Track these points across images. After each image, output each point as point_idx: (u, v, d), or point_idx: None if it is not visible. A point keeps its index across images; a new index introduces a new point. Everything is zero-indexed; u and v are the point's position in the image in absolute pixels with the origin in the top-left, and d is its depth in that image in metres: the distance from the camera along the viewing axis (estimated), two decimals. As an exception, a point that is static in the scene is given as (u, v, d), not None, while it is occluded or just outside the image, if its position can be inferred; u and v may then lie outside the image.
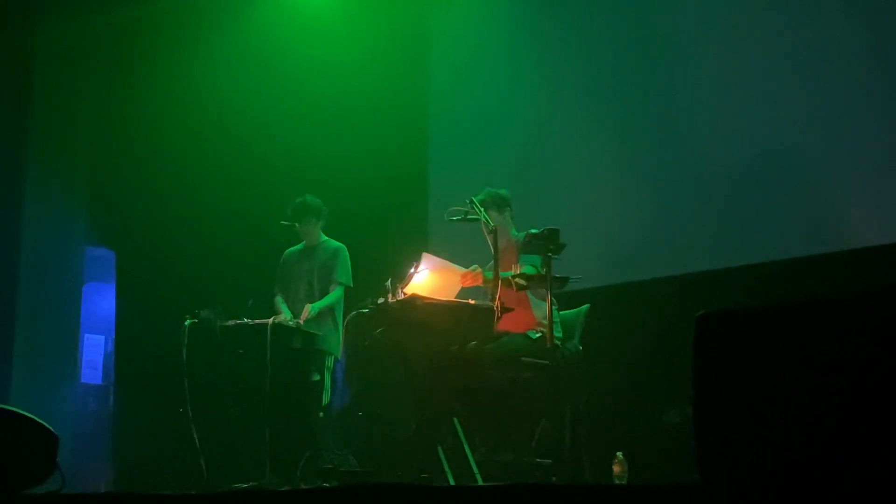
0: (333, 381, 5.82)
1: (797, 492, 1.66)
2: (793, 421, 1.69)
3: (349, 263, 5.94)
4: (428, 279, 5.00)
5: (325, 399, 5.71)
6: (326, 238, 6.06)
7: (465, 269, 5.03)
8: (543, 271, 4.77)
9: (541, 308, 5.00)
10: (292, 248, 6.12)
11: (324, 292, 5.88)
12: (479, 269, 4.99)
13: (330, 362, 5.76)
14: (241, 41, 7.17)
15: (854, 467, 1.60)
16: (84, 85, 7.08)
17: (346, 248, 5.98)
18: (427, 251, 5.26)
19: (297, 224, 5.95)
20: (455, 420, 4.81)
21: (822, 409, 1.66)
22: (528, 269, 4.89)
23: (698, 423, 1.79)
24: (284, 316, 5.70)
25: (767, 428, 1.72)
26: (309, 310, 5.69)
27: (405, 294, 4.86)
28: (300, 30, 7.35)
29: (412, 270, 5.01)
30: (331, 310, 5.83)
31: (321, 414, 5.69)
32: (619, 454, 4.75)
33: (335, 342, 5.78)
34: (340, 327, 5.78)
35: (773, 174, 5.65)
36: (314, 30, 7.34)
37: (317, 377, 5.69)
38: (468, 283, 5.01)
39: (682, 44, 6.18)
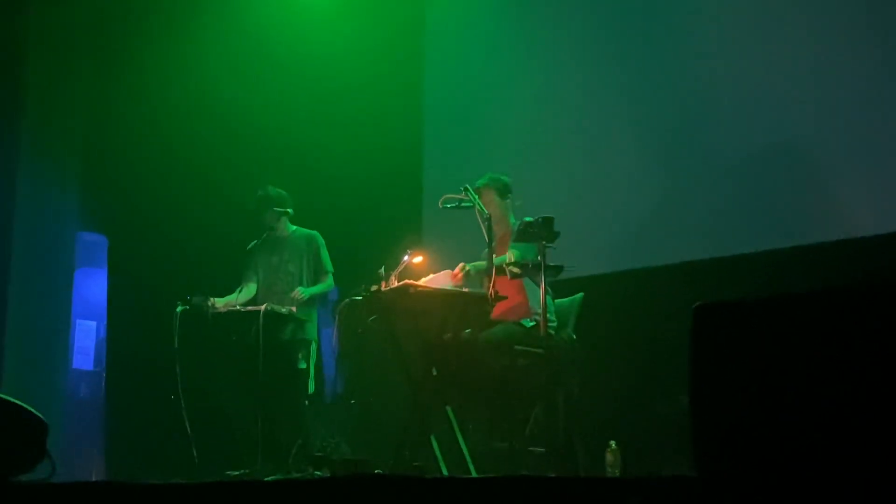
0: (317, 369, 5.83)
1: (794, 487, 1.64)
2: (791, 415, 1.67)
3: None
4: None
5: (311, 388, 5.70)
6: (295, 227, 6.00)
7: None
8: (537, 259, 4.75)
9: (535, 296, 4.98)
10: (258, 242, 5.99)
11: (310, 279, 5.85)
12: (466, 267, 4.96)
13: (313, 350, 5.75)
14: (236, 27, 7.11)
15: (853, 463, 1.58)
16: (78, 69, 7.00)
17: (320, 235, 5.95)
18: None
19: (289, 210, 5.92)
20: (448, 408, 4.80)
21: (820, 404, 1.64)
22: (516, 254, 4.89)
23: (694, 417, 1.76)
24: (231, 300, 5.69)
25: (764, 422, 1.70)
26: (300, 292, 5.65)
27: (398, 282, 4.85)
28: (295, 16, 7.30)
29: (405, 258, 4.99)
30: (320, 298, 5.86)
31: (306, 402, 5.69)
32: (612, 443, 4.74)
33: (315, 330, 5.82)
34: (317, 315, 5.84)
35: (772, 163, 5.60)
36: (309, 16, 7.29)
37: (303, 365, 5.68)
38: (458, 281, 4.97)
39: (689, 28, 6.08)
